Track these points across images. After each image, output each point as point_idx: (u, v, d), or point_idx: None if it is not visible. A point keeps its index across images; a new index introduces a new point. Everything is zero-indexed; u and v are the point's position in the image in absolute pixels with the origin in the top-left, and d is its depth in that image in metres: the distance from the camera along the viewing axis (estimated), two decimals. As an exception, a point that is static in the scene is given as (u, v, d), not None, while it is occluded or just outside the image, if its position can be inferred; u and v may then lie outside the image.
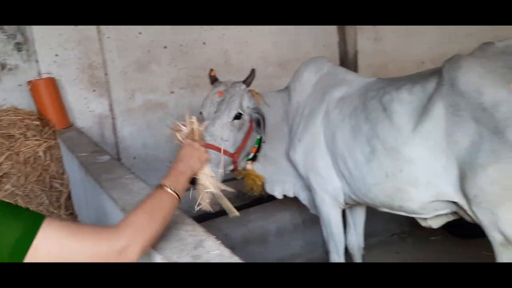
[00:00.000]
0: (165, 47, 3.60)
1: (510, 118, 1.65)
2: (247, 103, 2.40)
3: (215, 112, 2.33)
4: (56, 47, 3.15)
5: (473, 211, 1.85)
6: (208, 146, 2.23)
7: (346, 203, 2.53)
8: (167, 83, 3.66)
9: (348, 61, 3.12)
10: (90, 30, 3.27)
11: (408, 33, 4.63)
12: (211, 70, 2.57)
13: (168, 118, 3.69)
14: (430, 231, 3.28)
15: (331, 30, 3.78)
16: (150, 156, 3.68)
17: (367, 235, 3.66)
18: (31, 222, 0.95)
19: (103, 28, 3.32)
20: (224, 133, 2.29)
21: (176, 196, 1.20)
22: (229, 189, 1.52)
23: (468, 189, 1.81)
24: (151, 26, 3.47)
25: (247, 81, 2.46)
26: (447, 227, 2.41)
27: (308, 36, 4.12)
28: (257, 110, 2.40)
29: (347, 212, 2.84)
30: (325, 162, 2.42)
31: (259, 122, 2.39)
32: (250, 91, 2.48)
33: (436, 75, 1.94)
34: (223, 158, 2.23)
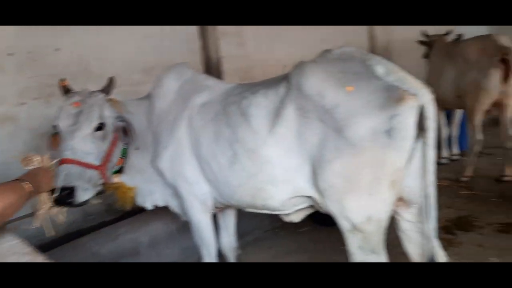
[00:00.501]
0: (10, 54, 3.23)
1: (347, 118, 1.84)
2: (108, 113, 2.30)
3: (73, 124, 2.18)
4: None
5: (324, 203, 2.02)
6: (70, 161, 2.08)
7: (216, 207, 2.57)
8: (16, 94, 3.30)
9: (211, 66, 3.17)
10: None
11: (270, 38, 4.90)
12: (62, 80, 2.39)
13: (20, 132, 3.34)
14: (299, 224, 3.53)
15: (194, 36, 3.81)
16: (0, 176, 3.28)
17: (243, 234, 3.78)
18: None
19: None
20: (86, 146, 2.17)
21: (28, 186, 1.46)
22: (61, 216, 1.75)
23: (319, 183, 1.97)
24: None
25: (106, 90, 2.35)
26: (313, 217, 2.60)
27: (172, 42, 4.08)
28: (122, 118, 2.31)
29: (219, 215, 2.89)
30: (191, 167, 2.43)
31: (125, 131, 2.30)
32: (110, 100, 2.37)
33: (285, 80, 2.08)
34: (91, 171, 2.15)
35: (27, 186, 1.49)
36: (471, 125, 4.55)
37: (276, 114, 2.06)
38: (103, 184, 2.35)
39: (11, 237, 1.33)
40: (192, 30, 3.97)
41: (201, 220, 2.52)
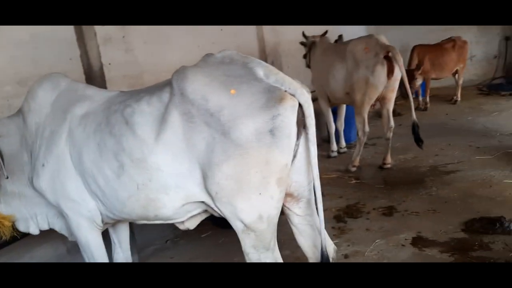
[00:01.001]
0: None
1: (232, 120, 1.86)
2: None
3: None
4: None
5: (217, 207, 2.02)
6: None
7: (105, 223, 2.43)
8: None
9: (93, 74, 2.99)
10: None
11: (159, 42, 4.78)
12: None
13: None
14: (201, 229, 3.49)
15: (73, 43, 3.57)
16: None
17: (142, 247, 3.64)
18: None
19: None
20: None
21: None
22: None
23: (210, 187, 1.97)
24: None
25: None
26: (212, 221, 2.58)
27: (49, 49, 3.78)
28: None
29: (110, 230, 2.74)
30: (75, 184, 2.27)
31: None
32: None
33: (168, 86, 2.04)
34: None
35: None
36: (360, 118, 4.91)
37: (162, 121, 2.01)
38: None
39: None
40: (70, 36, 3.71)
41: (90, 239, 2.37)
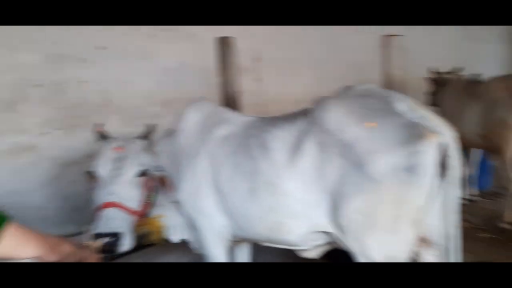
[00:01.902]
0: (38, 85, 3.35)
1: (368, 153, 1.85)
2: (146, 160, 2.33)
3: (116, 169, 2.20)
4: None
5: (344, 240, 1.99)
6: (114, 205, 2.09)
7: (233, 241, 2.55)
8: (41, 124, 3.40)
9: (229, 101, 3.23)
10: None
11: (284, 74, 4.99)
12: (97, 125, 2.42)
13: (41, 161, 3.41)
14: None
15: (214, 71, 3.90)
16: (18, 203, 3.32)
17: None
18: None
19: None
20: (127, 191, 2.18)
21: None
22: None
23: (339, 219, 1.96)
24: (21, 63, 3.22)
25: (146, 137, 2.41)
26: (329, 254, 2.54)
27: (192, 76, 4.19)
28: (160, 169, 2.33)
29: (233, 249, 2.85)
30: (210, 200, 2.43)
31: (161, 181, 2.31)
32: (148, 147, 2.43)
33: (306, 115, 2.11)
34: (130, 216, 2.15)
35: (82, 255, 1.54)
36: (503, 164, 4.41)
37: (296, 148, 2.08)
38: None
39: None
40: (211, 66, 4.08)
41: (218, 253, 2.50)
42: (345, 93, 2.11)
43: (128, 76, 3.84)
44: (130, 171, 2.21)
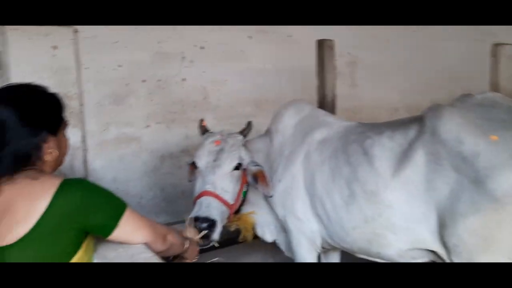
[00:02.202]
0: (144, 81, 3.56)
1: (489, 168, 1.68)
2: (243, 155, 2.38)
3: (215, 160, 2.27)
4: (31, 75, 3.04)
5: (450, 260, 1.84)
6: (211, 194, 2.17)
7: (323, 247, 2.48)
8: (143, 117, 3.60)
9: (326, 104, 3.16)
10: (68, 60, 3.20)
11: (380, 80, 4.80)
12: (202, 120, 2.54)
13: (142, 153, 3.61)
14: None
15: (312, 73, 3.88)
16: (120, 190, 3.55)
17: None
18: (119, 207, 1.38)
19: (82, 58, 3.26)
20: (224, 183, 2.25)
21: (185, 247, 1.70)
22: None
23: (448, 237, 1.81)
24: (131, 60, 3.45)
25: (244, 133, 2.46)
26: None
27: (287, 78, 4.19)
28: (256, 163, 2.37)
29: (321, 256, 2.79)
30: (303, 204, 2.39)
31: (255, 176, 2.34)
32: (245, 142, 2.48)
33: (417, 123, 1.98)
34: (225, 208, 2.22)
35: (185, 246, 1.70)
36: None
37: (403, 157, 1.96)
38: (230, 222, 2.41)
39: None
40: (305, 67, 4.06)
41: (307, 259, 2.45)
42: (462, 101, 1.94)
43: (223, 75, 3.93)
44: (228, 164, 2.26)
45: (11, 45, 3.01)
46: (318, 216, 2.35)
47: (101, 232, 1.35)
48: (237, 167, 2.30)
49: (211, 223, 2.08)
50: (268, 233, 2.66)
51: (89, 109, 3.34)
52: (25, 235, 1.20)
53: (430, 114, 1.92)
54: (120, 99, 3.47)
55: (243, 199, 2.46)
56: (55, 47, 3.16)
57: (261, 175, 2.33)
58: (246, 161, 2.36)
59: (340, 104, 4.39)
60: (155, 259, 1.32)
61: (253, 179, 2.35)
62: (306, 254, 2.45)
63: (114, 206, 1.38)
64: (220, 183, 2.22)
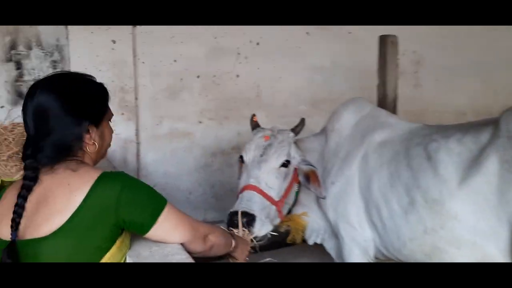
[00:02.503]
0: (198, 76, 3.55)
1: None
2: (294, 153, 2.28)
3: (261, 155, 2.19)
4: (91, 68, 3.12)
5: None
6: (253, 188, 2.09)
7: (377, 258, 2.30)
8: (196, 113, 3.59)
9: (386, 105, 2.96)
10: (126, 54, 3.26)
11: (447, 82, 4.47)
12: (253, 115, 2.46)
13: (194, 148, 3.60)
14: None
15: (372, 72, 3.66)
16: (170, 185, 3.57)
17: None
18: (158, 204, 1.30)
19: (139, 53, 3.31)
20: (270, 179, 2.15)
21: (233, 246, 1.64)
22: None
23: (523, 256, 1.58)
24: (187, 55, 3.44)
25: (296, 130, 2.35)
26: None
27: (346, 76, 4.01)
28: (307, 162, 2.25)
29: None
30: (357, 209, 2.23)
31: (306, 176, 2.23)
32: (296, 140, 2.38)
33: (491, 126, 1.76)
34: (268, 204, 2.12)
35: (233, 244, 1.63)
36: None
37: (472, 164, 1.75)
38: (282, 221, 2.31)
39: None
40: (365, 66, 3.84)
41: (359, 268, 2.28)
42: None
43: (278, 72, 3.83)
44: (275, 159, 2.16)
45: (73, 38, 3.11)
46: (372, 223, 2.18)
47: (138, 229, 1.28)
48: (285, 164, 2.19)
49: (251, 218, 1.99)
50: (314, 237, 2.52)
51: (144, 102, 3.38)
52: (60, 227, 1.17)
53: (507, 116, 1.70)
54: (174, 94, 3.48)
55: (294, 199, 2.34)
56: (114, 41, 3.23)
57: (313, 175, 2.20)
58: (296, 159, 2.25)
59: (401, 105, 4.12)
60: (190, 261, 1.24)
61: (305, 179, 2.22)
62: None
63: (154, 203, 1.30)
64: (265, 178, 2.12)
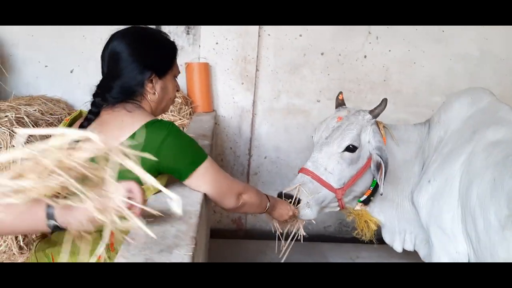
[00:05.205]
0: (322, 53, 3.45)
1: None
2: (369, 138, 2.06)
3: (327, 138, 2.07)
4: (218, 36, 3.31)
5: None
6: (308, 172, 2.01)
7: (469, 275, 1.97)
8: (315, 91, 3.52)
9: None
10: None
11: None
12: (340, 93, 2.29)
13: (308, 127, 3.55)
14: None
15: None
16: (280, 160, 3.61)
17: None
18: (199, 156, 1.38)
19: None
20: (330, 164, 2.02)
21: (269, 206, 1.72)
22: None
23: None
24: (313, 30, 3.37)
25: (375, 112, 2.10)
26: None
27: (494, 69, 3.44)
28: (380, 152, 2.01)
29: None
30: (452, 215, 1.93)
31: (379, 166, 2.02)
32: (376, 123, 2.14)
33: None
34: (325, 191, 2.02)
35: (268, 204, 1.72)
36: None
37: None
38: (340, 209, 2.17)
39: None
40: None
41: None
42: None
43: (412, 57, 3.47)
44: (338, 143, 1.99)
45: (205, 7, 3.32)
46: (467, 234, 1.85)
47: (177, 175, 1.38)
48: (350, 149, 1.99)
49: (296, 202, 1.93)
50: (398, 241, 2.26)
51: (264, 75, 3.44)
52: None
53: None
54: (295, 69, 3.46)
55: (372, 188, 2.13)
56: (243, 12, 3.34)
57: (380, 168, 1.97)
58: (372, 145, 2.02)
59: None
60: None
61: (376, 167, 2.00)
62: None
63: (195, 154, 1.39)
64: (324, 162, 1.99)
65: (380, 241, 2.43)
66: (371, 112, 2.09)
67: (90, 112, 1.41)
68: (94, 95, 1.42)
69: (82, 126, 1.38)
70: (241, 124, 3.50)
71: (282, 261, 2.02)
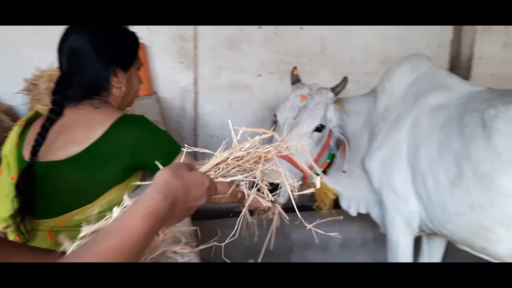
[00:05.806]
0: (260, 27, 3.44)
1: None
2: (331, 116, 2.13)
3: (294, 118, 2.09)
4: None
5: None
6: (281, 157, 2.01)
7: (421, 230, 2.14)
8: (256, 66, 3.51)
9: (459, 65, 2.62)
10: (186, 1, 3.23)
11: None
12: (295, 68, 2.31)
13: (252, 102, 3.56)
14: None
15: (448, 27, 3.28)
16: (227, 137, 3.58)
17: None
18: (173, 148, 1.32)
19: (200, 0, 3.26)
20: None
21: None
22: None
23: None
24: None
25: (337, 90, 2.17)
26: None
27: (420, 32, 3.63)
28: (343, 130, 2.10)
29: (424, 239, 2.42)
30: (403, 177, 2.07)
31: (338, 143, 2.10)
32: (336, 101, 2.20)
33: None
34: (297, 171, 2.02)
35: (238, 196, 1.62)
36: None
37: (536, 137, 1.50)
38: (302, 184, 2.22)
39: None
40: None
41: (400, 240, 2.14)
42: None
43: (346, 26, 3.57)
44: (308, 124, 2.04)
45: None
46: (418, 194, 2.00)
47: (153, 169, 1.33)
48: (319, 129, 2.06)
49: (274, 187, 1.93)
50: (353, 207, 2.39)
51: (203, 52, 3.36)
52: (76, 155, 1.25)
53: None
54: (235, 44, 3.42)
55: (329, 161, 2.22)
56: (175, -12, 3.21)
57: (342, 145, 2.05)
58: (333, 122, 2.10)
59: (487, 68, 3.66)
60: None
61: (336, 144, 2.08)
62: (400, 235, 2.13)
63: (169, 146, 1.35)
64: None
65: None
66: (333, 89, 2.15)
67: (52, 111, 1.31)
68: (54, 93, 1.32)
69: (44, 127, 1.28)
70: (184, 104, 3.42)
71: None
